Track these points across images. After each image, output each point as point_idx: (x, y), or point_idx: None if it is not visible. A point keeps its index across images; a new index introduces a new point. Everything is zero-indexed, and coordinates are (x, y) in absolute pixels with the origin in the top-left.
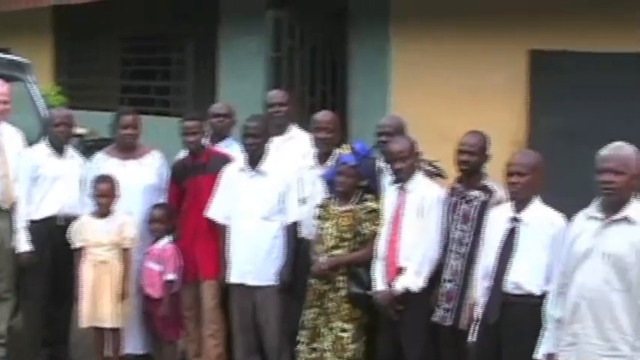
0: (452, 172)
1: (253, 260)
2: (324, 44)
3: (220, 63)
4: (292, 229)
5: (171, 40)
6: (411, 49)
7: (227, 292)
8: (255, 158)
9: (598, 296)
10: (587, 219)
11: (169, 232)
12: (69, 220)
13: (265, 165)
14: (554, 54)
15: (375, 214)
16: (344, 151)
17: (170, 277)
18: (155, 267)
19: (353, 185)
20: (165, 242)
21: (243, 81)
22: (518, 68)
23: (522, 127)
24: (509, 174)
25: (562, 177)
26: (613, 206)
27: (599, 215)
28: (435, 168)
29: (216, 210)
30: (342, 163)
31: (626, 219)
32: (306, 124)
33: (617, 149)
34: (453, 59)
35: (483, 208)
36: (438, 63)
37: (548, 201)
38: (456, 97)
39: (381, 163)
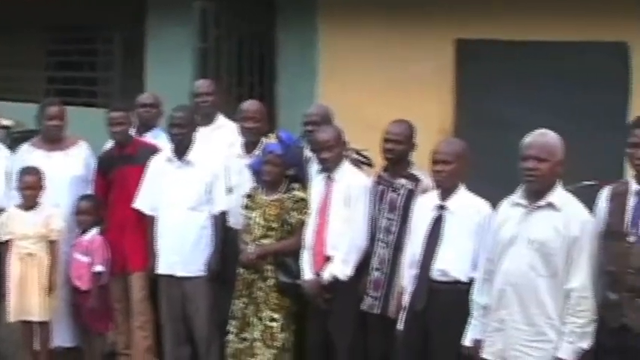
0: (380, 161)
1: (181, 251)
2: (252, 35)
3: (148, 54)
4: (220, 219)
5: (98, 30)
6: (338, 39)
7: (156, 283)
8: (181, 148)
9: (524, 282)
10: (512, 206)
11: (97, 224)
12: None
13: (192, 155)
14: (480, 43)
15: (302, 204)
16: (270, 141)
17: (98, 268)
18: (83, 259)
19: (280, 174)
20: (92, 234)
21: (171, 72)
22: (444, 57)
23: (449, 115)
24: (435, 162)
25: (489, 165)
26: (537, 193)
27: (524, 202)
28: (363, 157)
29: (143, 201)
30: (268, 152)
31: (550, 205)
32: (233, 115)
33: (540, 136)
34: (381, 49)
35: (410, 196)
36: (366, 53)
37: (476, 189)
38: (383, 86)
39: (308, 153)
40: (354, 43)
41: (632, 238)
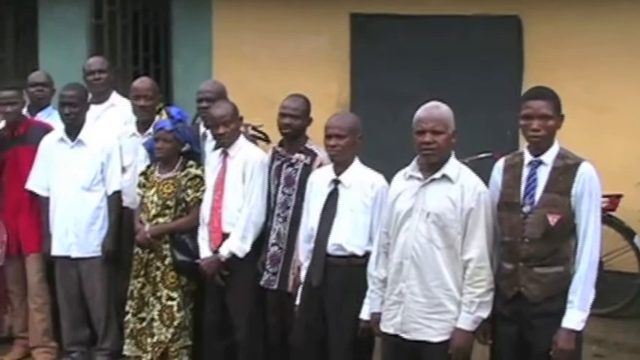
0: (276, 137)
1: (76, 232)
2: (146, 10)
3: (41, 31)
4: (114, 199)
5: None
6: (233, 13)
7: (53, 265)
8: (73, 128)
9: (421, 254)
10: (407, 179)
11: None
12: None
13: (84, 135)
14: (375, 17)
15: (197, 181)
16: (163, 118)
17: None
18: None
19: (172, 151)
20: None
21: (65, 49)
22: (340, 32)
23: (346, 90)
24: (328, 137)
25: (384, 139)
26: (432, 165)
27: (419, 174)
28: (259, 132)
29: (36, 182)
30: (158, 129)
31: (445, 177)
32: (128, 93)
33: (434, 109)
34: (276, 24)
35: (306, 171)
36: (261, 27)
37: (372, 163)
38: (279, 61)
39: (203, 129)
40: (248, 17)
41: (526, 209)
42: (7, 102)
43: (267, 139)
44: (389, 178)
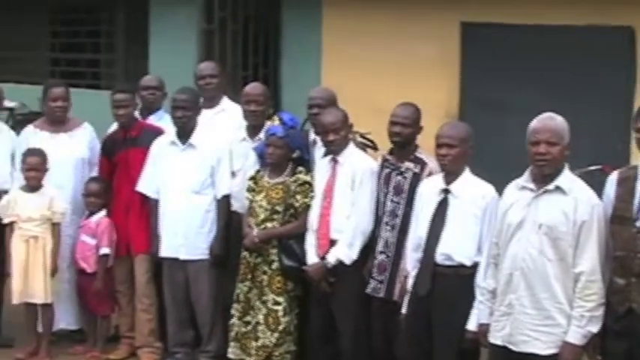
0: (384, 144)
1: (185, 234)
2: (256, 15)
3: (151, 35)
4: (223, 203)
5: (102, 11)
6: (343, 20)
7: (160, 266)
8: (185, 132)
9: (532, 266)
10: (520, 189)
11: (105, 206)
12: None
13: (195, 138)
14: (486, 26)
15: (307, 187)
16: (274, 123)
17: (104, 251)
18: (90, 241)
19: (283, 156)
20: (100, 216)
21: (175, 53)
22: (450, 40)
23: (455, 99)
24: (439, 146)
25: (494, 149)
26: (545, 176)
27: (531, 185)
28: (367, 140)
29: (146, 184)
30: (270, 135)
31: (558, 189)
32: (238, 98)
33: (549, 120)
34: (386, 30)
35: (416, 179)
36: (371, 34)
37: (480, 172)
38: (387, 68)
39: (313, 136)
40: (358, 24)
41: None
42: (119, 105)
43: (374, 147)
44: (498, 189)
